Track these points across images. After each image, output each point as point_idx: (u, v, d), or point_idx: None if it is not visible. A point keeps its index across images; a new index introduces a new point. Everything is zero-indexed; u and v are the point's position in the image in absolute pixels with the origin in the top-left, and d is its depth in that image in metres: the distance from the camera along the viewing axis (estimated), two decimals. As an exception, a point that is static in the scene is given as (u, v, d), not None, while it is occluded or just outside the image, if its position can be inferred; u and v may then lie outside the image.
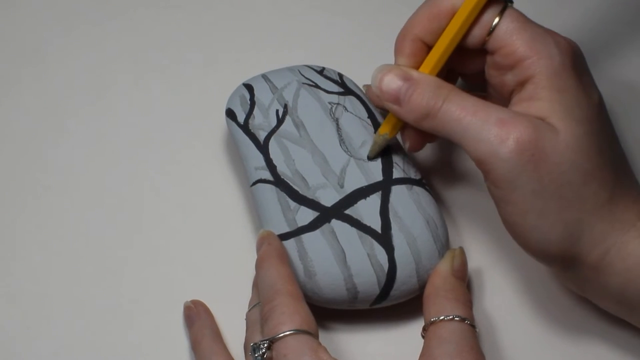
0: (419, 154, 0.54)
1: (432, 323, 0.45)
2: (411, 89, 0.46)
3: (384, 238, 0.47)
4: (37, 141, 0.56)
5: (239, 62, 0.59)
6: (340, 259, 0.47)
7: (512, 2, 0.46)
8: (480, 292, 0.50)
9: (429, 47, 0.47)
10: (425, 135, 0.48)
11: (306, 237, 0.47)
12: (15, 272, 0.52)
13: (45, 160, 0.56)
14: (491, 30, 0.45)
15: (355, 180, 0.49)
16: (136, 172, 0.55)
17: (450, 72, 0.50)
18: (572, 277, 0.46)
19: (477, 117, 0.44)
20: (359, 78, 0.56)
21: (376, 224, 0.47)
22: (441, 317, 0.45)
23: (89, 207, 0.54)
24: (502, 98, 0.47)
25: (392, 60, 0.51)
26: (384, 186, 0.49)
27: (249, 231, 0.52)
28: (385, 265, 0.47)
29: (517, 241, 0.45)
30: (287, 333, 0.42)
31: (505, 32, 0.45)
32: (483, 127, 0.43)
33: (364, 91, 0.54)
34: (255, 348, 0.43)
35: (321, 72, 0.54)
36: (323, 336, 0.47)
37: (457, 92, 0.45)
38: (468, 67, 0.49)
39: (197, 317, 0.49)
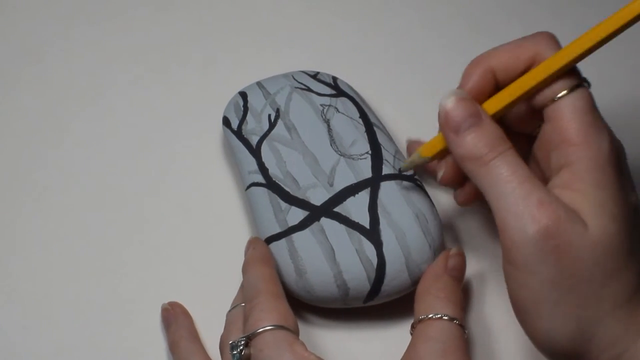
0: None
1: (420, 321, 0.45)
2: (475, 127, 0.43)
3: (372, 233, 0.47)
4: (37, 141, 0.56)
5: (239, 63, 0.59)
6: (330, 256, 0.47)
7: (589, 85, 0.44)
8: (479, 295, 0.50)
9: (496, 85, 0.45)
10: (462, 176, 0.47)
11: (296, 236, 0.47)
12: (15, 272, 0.52)
13: (45, 160, 0.56)
14: (558, 97, 0.43)
15: (345, 178, 0.49)
16: (135, 173, 0.55)
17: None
18: None
19: (522, 188, 0.41)
20: (358, 80, 0.56)
21: (364, 220, 0.48)
22: (429, 315, 0.45)
23: (88, 207, 0.54)
24: (539, 172, 0.45)
25: (391, 64, 0.52)
26: (372, 183, 0.49)
27: (246, 234, 0.52)
28: (374, 261, 0.47)
29: (525, 329, 0.43)
30: (265, 328, 0.43)
31: (568, 105, 0.43)
32: (522, 201, 0.41)
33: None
34: (234, 346, 0.43)
35: (315, 76, 0.55)
36: (312, 334, 0.47)
37: (514, 153, 0.43)
38: (521, 126, 0.47)
39: (173, 318, 0.49)
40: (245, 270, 0.47)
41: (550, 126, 0.43)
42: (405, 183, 0.49)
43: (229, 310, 0.47)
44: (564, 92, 0.43)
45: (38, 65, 0.59)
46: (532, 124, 0.46)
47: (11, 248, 0.52)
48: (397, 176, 0.49)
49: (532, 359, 0.48)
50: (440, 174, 0.48)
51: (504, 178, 0.42)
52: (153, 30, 0.61)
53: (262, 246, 0.48)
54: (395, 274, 0.47)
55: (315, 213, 0.48)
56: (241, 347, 0.43)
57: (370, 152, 0.50)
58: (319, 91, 0.53)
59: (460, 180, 0.48)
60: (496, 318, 0.49)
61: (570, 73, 0.43)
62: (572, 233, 0.41)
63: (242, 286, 0.48)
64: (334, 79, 0.55)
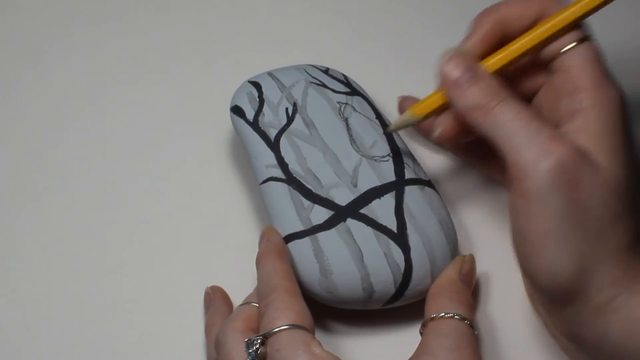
0: (430, 159, 0.54)
1: (432, 319, 0.45)
2: (471, 81, 0.45)
3: (400, 238, 0.47)
4: (37, 141, 0.56)
5: (239, 62, 0.59)
6: (358, 258, 0.47)
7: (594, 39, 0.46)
8: (486, 296, 0.50)
9: (502, 39, 0.47)
10: (460, 128, 0.48)
11: (322, 235, 0.47)
12: (15, 272, 0.52)
13: (45, 160, 0.56)
14: (566, 50, 0.45)
15: (369, 179, 0.49)
16: (136, 172, 0.55)
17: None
18: (567, 319, 0.45)
19: (530, 126, 0.43)
20: (358, 79, 0.56)
21: (392, 224, 0.47)
22: (441, 314, 0.45)
23: (89, 207, 0.54)
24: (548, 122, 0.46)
25: (392, 66, 0.52)
26: (397, 186, 0.49)
27: (252, 230, 0.52)
28: (402, 265, 0.47)
29: (527, 263, 0.44)
30: (281, 328, 0.42)
31: (578, 56, 0.45)
32: (532, 137, 0.43)
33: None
34: (250, 344, 0.43)
35: (326, 71, 0.54)
36: (324, 337, 0.47)
37: (516, 98, 0.45)
38: (522, 84, 0.49)
39: (212, 303, 0.49)
40: (258, 263, 0.46)
41: (561, 76, 0.45)
42: (426, 189, 0.49)
43: (240, 304, 0.47)
44: (573, 43, 0.45)
45: (38, 65, 0.59)
46: (533, 81, 0.48)
47: (11, 248, 0.52)
48: (420, 181, 0.49)
49: (535, 359, 0.48)
50: (437, 131, 0.48)
51: (511, 119, 0.44)
52: (153, 30, 0.61)
53: (276, 237, 0.47)
54: (420, 279, 0.47)
55: (340, 213, 0.48)
56: (257, 346, 0.42)
57: (391, 154, 0.50)
58: (334, 88, 0.53)
59: (458, 134, 0.48)
60: (502, 318, 0.50)
61: (577, 27, 0.45)
62: (585, 170, 0.42)
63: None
64: (345, 76, 0.55)
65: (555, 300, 0.44)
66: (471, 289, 0.48)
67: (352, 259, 0.47)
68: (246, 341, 0.43)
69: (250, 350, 0.42)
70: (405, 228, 0.48)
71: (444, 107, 0.48)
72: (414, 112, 0.49)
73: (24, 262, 0.52)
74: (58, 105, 0.57)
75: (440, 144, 0.50)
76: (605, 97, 0.44)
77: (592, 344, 0.44)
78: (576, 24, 0.45)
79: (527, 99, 0.49)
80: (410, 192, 0.49)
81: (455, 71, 0.46)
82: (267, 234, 0.48)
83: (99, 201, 0.54)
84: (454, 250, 0.49)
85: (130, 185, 0.54)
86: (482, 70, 0.46)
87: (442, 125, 0.48)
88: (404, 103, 0.53)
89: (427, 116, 0.49)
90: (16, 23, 0.61)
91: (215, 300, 0.49)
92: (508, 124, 0.44)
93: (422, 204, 0.49)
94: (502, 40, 0.47)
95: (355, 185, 0.49)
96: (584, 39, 0.45)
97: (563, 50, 0.45)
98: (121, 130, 0.57)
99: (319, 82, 0.53)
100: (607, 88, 0.44)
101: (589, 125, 0.44)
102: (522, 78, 0.49)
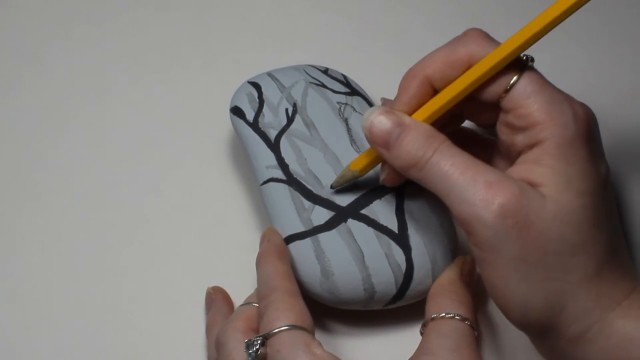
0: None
1: (432, 319, 0.46)
2: (402, 135, 0.44)
3: (401, 238, 0.47)
4: (37, 141, 0.56)
5: (239, 62, 0.59)
6: (359, 258, 0.47)
7: (533, 61, 0.44)
8: (486, 296, 0.50)
9: (435, 92, 0.46)
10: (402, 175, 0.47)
11: (323, 236, 0.47)
12: (15, 272, 0.52)
13: (45, 160, 0.55)
14: (508, 89, 0.43)
15: (369, 180, 0.49)
16: (136, 172, 0.55)
17: (457, 115, 0.49)
18: (549, 348, 0.45)
19: (465, 176, 0.42)
20: (358, 79, 0.56)
21: (392, 224, 0.48)
22: (442, 314, 0.45)
23: (89, 207, 0.54)
24: (509, 155, 0.45)
25: (392, 66, 0.51)
26: (398, 186, 0.49)
27: (252, 230, 0.52)
28: (403, 265, 0.47)
29: (497, 304, 0.43)
30: (281, 328, 0.42)
31: (522, 93, 0.43)
32: (469, 188, 0.42)
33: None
34: (250, 344, 0.43)
35: (326, 72, 0.54)
36: (325, 338, 0.47)
37: (449, 145, 0.44)
38: (480, 118, 0.48)
39: (213, 303, 0.49)
40: (258, 264, 0.47)
41: (511, 115, 0.44)
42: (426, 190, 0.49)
43: (241, 305, 0.47)
44: (514, 78, 0.43)
45: (38, 65, 0.59)
46: (489, 117, 0.46)
47: (11, 248, 0.52)
48: None
49: (535, 359, 0.48)
50: (382, 176, 0.48)
51: (445, 172, 0.43)
52: (153, 30, 0.61)
53: (276, 238, 0.47)
54: (421, 279, 0.47)
55: (341, 214, 0.48)
56: (257, 347, 0.42)
57: None
58: (333, 88, 0.53)
59: (403, 178, 0.47)
60: (501, 318, 0.49)
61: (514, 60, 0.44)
62: (530, 208, 0.41)
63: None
64: (344, 76, 0.55)
65: (530, 334, 0.44)
66: (472, 289, 0.48)
67: (353, 259, 0.47)
68: (246, 342, 0.43)
69: (250, 351, 0.42)
70: (406, 228, 0.48)
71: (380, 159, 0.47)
72: (350, 167, 0.48)
73: (24, 262, 0.52)
74: (58, 105, 0.57)
75: (391, 185, 0.48)
76: (560, 125, 0.42)
77: None
78: (508, 61, 0.43)
79: (485, 126, 0.48)
80: (411, 192, 0.49)
81: (383, 127, 0.45)
82: (267, 235, 0.48)
83: (98, 201, 0.54)
84: (454, 250, 0.49)
85: (130, 185, 0.54)
86: (410, 120, 0.45)
87: (386, 171, 0.47)
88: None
89: (364, 170, 0.48)
90: (16, 23, 0.61)
91: (216, 300, 0.49)
92: (442, 179, 0.43)
93: (422, 204, 0.49)
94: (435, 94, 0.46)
95: (356, 186, 0.49)
96: (524, 68, 0.44)
97: (507, 88, 0.43)
98: (121, 130, 0.56)
99: (318, 83, 0.53)
100: (559, 115, 0.43)
101: (543, 157, 0.42)
102: (478, 115, 0.47)
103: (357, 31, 0.61)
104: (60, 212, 0.54)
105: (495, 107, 0.45)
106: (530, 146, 0.43)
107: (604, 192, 0.44)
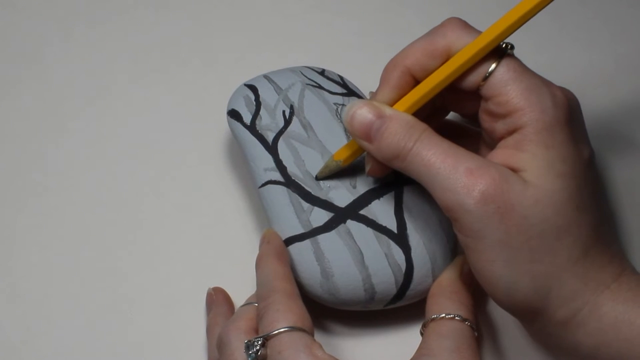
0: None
1: (433, 320, 0.46)
2: (383, 127, 0.45)
3: (401, 238, 0.47)
4: (37, 141, 0.56)
5: (239, 63, 0.59)
6: (358, 259, 0.47)
7: (512, 48, 0.45)
8: (486, 296, 0.50)
9: (416, 82, 0.46)
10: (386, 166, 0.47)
11: (322, 238, 0.47)
12: (15, 272, 0.52)
13: (45, 160, 0.55)
14: (486, 77, 0.44)
15: (367, 180, 0.49)
16: (135, 173, 0.55)
17: (441, 107, 0.49)
18: (538, 331, 0.45)
19: (446, 164, 0.43)
20: (358, 79, 0.56)
21: (392, 224, 0.48)
22: (442, 315, 0.45)
23: (89, 207, 0.54)
24: (493, 144, 0.46)
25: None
26: (396, 186, 0.49)
27: (250, 232, 0.52)
28: (403, 265, 0.47)
29: (485, 289, 0.44)
30: (282, 330, 0.42)
31: (500, 80, 0.44)
32: (450, 176, 0.42)
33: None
34: (250, 345, 0.43)
35: (322, 73, 0.54)
36: (324, 338, 0.47)
37: (430, 134, 0.44)
38: (462, 108, 0.48)
39: (214, 304, 0.49)
40: (257, 265, 0.47)
41: (491, 103, 0.44)
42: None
43: (242, 305, 0.47)
44: (493, 66, 0.44)
45: (38, 65, 0.59)
46: (470, 106, 0.46)
47: (11, 248, 0.52)
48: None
49: (535, 359, 0.48)
50: (367, 167, 0.48)
51: (427, 162, 0.43)
52: (153, 30, 0.61)
53: (276, 240, 0.48)
54: (421, 279, 0.47)
55: (340, 215, 0.48)
56: (257, 348, 0.43)
57: None
58: (330, 89, 0.53)
59: (388, 169, 0.48)
60: (501, 318, 0.50)
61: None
62: (511, 192, 0.42)
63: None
64: (341, 77, 0.55)
65: (520, 317, 0.45)
66: (472, 289, 0.48)
67: (353, 260, 0.47)
68: (246, 342, 0.43)
69: (250, 352, 0.42)
70: (405, 228, 0.48)
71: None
72: (334, 157, 0.48)
73: (24, 262, 0.52)
74: (58, 105, 0.57)
75: (376, 177, 0.49)
76: (539, 111, 0.43)
77: (565, 353, 0.45)
78: (486, 52, 0.44)
79: (469, 116, 0.48)
80: (409, 191, 0.49)
81: (364, 119, 0.45)
82: (267, 237, 0.48)
83: (98, 201, 0.54)
84: (454, 249, 0.49)
85: (130, 185, 0.54)
86: (391, 111, 0.45)
87: (370, 163, 0.48)
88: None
89: (348, 160, 0.48)
90: (16, 23, 0.61)
91: (217, 301, 0.49)
92: (424, 168, 0.43)
93: (421, 204, 0.49)
94: (416, 85, 0.46)
95: (354, 187, 0.49)
96: (503, 55, 0.44)
97: (486, 76, 0.44)
98: (120, 131, 0.56)
99: (315, 84, 0.53)
100: (537, 101, 0.43)
101: (523, 142, 0.43)
102: (461, 105, 0.48)
103: (356, 31, 0.61)
104: (60, 212, 0.54)
105: (476, 96, 0.45)
106: (511, 132, 0.44)
107: (588, 174, 0.44)
